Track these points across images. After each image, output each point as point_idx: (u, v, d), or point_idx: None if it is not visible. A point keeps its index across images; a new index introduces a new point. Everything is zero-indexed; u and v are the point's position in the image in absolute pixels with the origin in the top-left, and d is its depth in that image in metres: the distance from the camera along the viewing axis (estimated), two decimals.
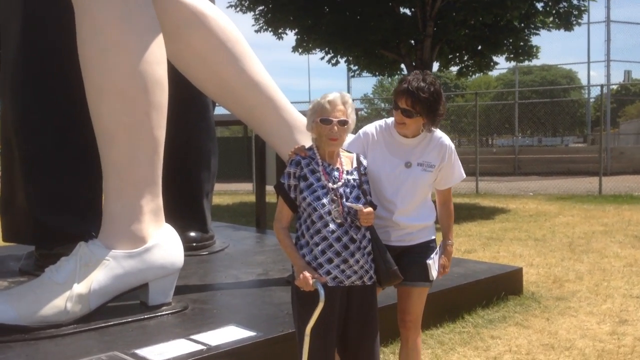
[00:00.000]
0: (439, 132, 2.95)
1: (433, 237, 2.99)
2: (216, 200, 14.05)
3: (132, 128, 3.58)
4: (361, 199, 2.67)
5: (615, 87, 27.99)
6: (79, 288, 3.44)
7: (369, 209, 2.61)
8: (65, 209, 4.77)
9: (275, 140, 4.40)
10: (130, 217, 3.64)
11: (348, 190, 2.65)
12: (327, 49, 13.13)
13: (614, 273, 5.76)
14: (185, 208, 5.75)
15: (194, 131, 5.75)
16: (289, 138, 4.25)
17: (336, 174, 2.66)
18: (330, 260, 2.57)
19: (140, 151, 3.63)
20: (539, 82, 49.23)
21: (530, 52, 12.64)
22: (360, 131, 2.99)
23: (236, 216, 11.02)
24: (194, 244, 5.67)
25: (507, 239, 7.74)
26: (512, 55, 12.85)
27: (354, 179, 2.70)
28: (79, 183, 4.81)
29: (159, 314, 3.67)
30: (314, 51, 13.91)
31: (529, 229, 8.67)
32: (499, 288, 4.79)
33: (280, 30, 13.02)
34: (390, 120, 2.96)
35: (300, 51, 13.80)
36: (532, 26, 12.33)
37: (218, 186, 16.91)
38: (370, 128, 2.96)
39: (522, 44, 12.51)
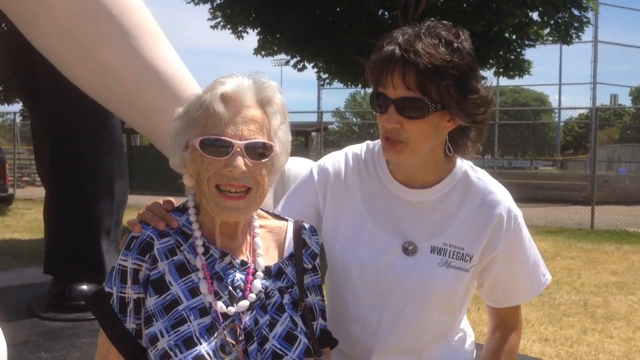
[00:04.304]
0: (485, 179, 1.31)
1: None
2: None
3: None
4: (300, 342, 1.07)
5: (585, 112, 27.15)
6: None
7: None
8: None
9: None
10: None
11: (265, 320, 1.05)
12: (292, 52, 11.50)
13: None
14: (73, 251, 4.05)
15: (88, 143, 4.05)
16: None
17: (238, 277, 1.07)
18: None
19: None
20: (510, 104, 49.16)
21: (521, 66, 11.19)
22: (315, 166, 1.38)
23: None
24: (84, 302, 3.96)
25: None
26: (501, 70, 11.39)
27: (284, 288, 1.11)
28: None
29: None
30: (278, 55, 12.31)
31: None
32: None
33: (239, 28, 11.32)
34: (379, 145, 1.37)
35: (263, 54, 12.17)
36: (525, 37, 10.91)
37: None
38: (337, 160, 1.35)
39: (512, 57, 11.07)
